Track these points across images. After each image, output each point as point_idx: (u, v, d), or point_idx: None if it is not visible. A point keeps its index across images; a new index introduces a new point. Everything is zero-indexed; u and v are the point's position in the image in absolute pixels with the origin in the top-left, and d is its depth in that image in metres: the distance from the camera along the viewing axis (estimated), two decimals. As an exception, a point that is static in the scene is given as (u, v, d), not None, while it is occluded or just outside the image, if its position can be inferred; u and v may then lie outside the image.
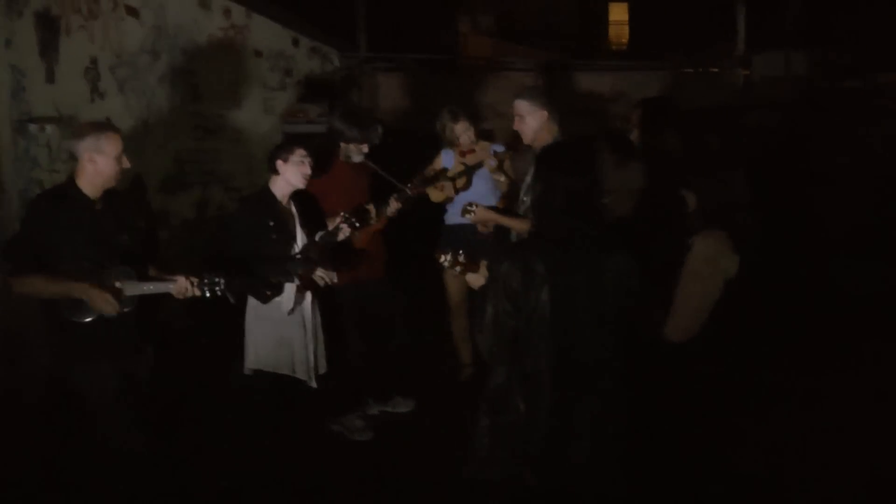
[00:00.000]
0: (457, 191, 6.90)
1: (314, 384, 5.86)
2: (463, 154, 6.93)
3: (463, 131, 6.87)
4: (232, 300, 5.13)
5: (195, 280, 4.87)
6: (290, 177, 5.76)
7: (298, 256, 5.72)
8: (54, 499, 5.28)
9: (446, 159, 7.03)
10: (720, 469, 5.52)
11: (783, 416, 6.29)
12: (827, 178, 10.16)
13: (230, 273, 5.15)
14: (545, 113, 5.74)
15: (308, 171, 5.79)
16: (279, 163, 5.75)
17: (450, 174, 6.93)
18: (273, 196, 5.78)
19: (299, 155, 5.76)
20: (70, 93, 6.72)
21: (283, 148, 5.84)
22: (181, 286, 4.85)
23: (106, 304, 4.60)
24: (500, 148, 6.72)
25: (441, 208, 7.12)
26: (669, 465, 5.20)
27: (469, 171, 6.83)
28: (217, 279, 4.90)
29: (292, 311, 5.70)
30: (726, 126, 10.47)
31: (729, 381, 6.13)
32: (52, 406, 5.79)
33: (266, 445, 5.78)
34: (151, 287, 4.84)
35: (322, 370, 5.97)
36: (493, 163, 6.47)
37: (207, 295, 4.90)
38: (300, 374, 5.81)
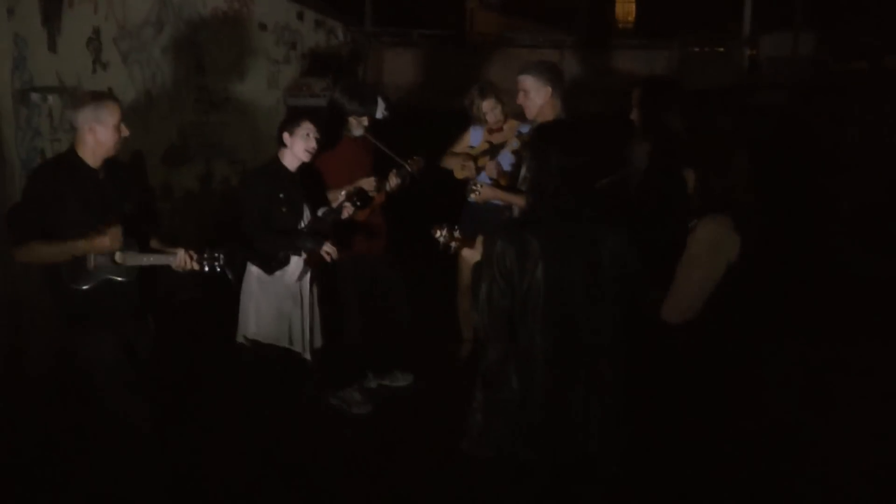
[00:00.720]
0: (479, 169, 6.87)
1: (308, 356, 5.88)
2: (490, 132, 6.91)
3: (490, 109, 6.84)
4: (230, 276, 5.13)
5: (194, 254, 4.88)
6: (295, 150, 5.76)
7: (306, 231, 5.73)
8: (58, 467, 5.32)
9: (474, 136, 7.01)
10: (716, 450, 5.53)
11: (781, 401, 6.29)
12: (833, 160, 10.13)
13: (237, 245, 5.17)
14: (549, 89, 5.70)
15: (313, 144, 5.78)
16: (285, 135, 5.76)
17: (474, 152, 6.91)
18: (283, 167, 5.80)
19: (305, 128, 5.75)
20: (72, 63, 6.70)
21: (290, 120, 5.84)
22: (181, 259, 4.86)
23: (110, 241, 4.61)
24: (526, 128, 6.66)
25: (459, 183, 7.10)
26: (665, 446, 5.21)
27: (493, 150, 6.79)
28: (217, 254, 4.91)
29: (284, 278, 5.72)
30: (732, 106, 10.44)
31: (727, 363, 6.13)
32: (59, 376, 5.82)
33: (265, 418, 5.81)
34: (152, 259, 4.86)
35: (317, 344, 5.98)
36: (515, 143, 6.42)
37: (206, 270, 4.91)
38: (297, 347, 5.83)
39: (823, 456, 5.62)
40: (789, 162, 9.71)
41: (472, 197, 5.96)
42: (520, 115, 6.07)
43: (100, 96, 4.87)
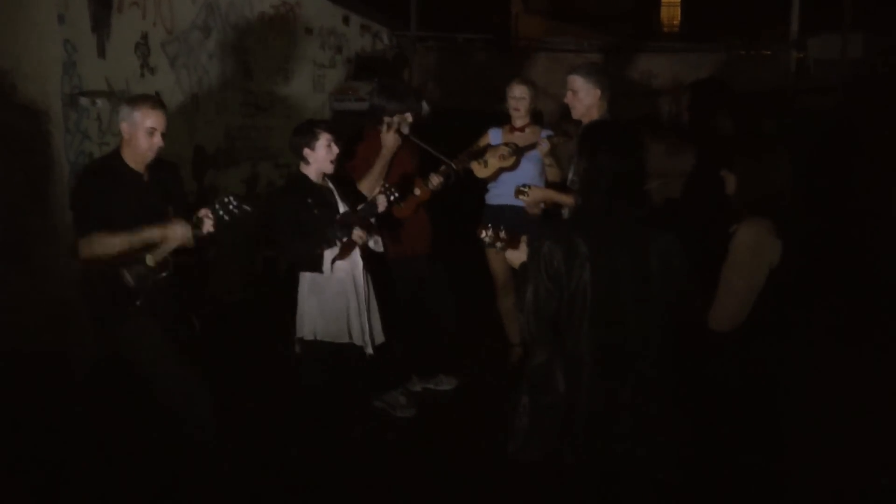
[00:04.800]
0: (502, 170, 6.84)
1: (371, 350, 5.80)
2: (511, 131, 6.88)
3: (519, 96, 6.78)
4: (248, 210, 5.04)
5: (208, 211, 4.87)
6: (320, 163, 5.69)
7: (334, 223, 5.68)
8: (100, 466, 5.37)
9: (494, 137, 6.99)
10: (761, 459, 5.46)
11: (828, 406, 6.20)
12: (882, 164, 9.99)
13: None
14: (598, 91, 5.75)
15: (336, 152, 5.73)
16: (306, 151, 5.67)
17: (498, 153, 6.87)
18: (306, 177, 5.73)
19: (325, 139, 5.66)
20: (121, 68, 6.77)
21: (306, 135, 5.71)
22: (203, 225, 4.86)
23: (182, 231, 4.70)
24: (548, 133, 6.64)
25: (485, 187, 7.08)
26: (712, 454, 5.15)
27: (519, 152, 6.76)
28: (226, 199, 4.90)
29: (333, 273, 5.64)
30: (778, 109, 10.34)
31: (772, 371, 6.06)
32: (105, 378, 5.87)
33: (309, 419, 5.81)
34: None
35: (379, 340, 5.92)
36: (545, 145, 6.39)
37: (227, 218, 4.89)
38: (357, 341, 5.76)
39: (868, 460, 5.56)
40: (838, 165, 9.60)
41: (521, 199, 5.95)
42: (566, 115, 6.06)
43: (138, 99, 4.87)
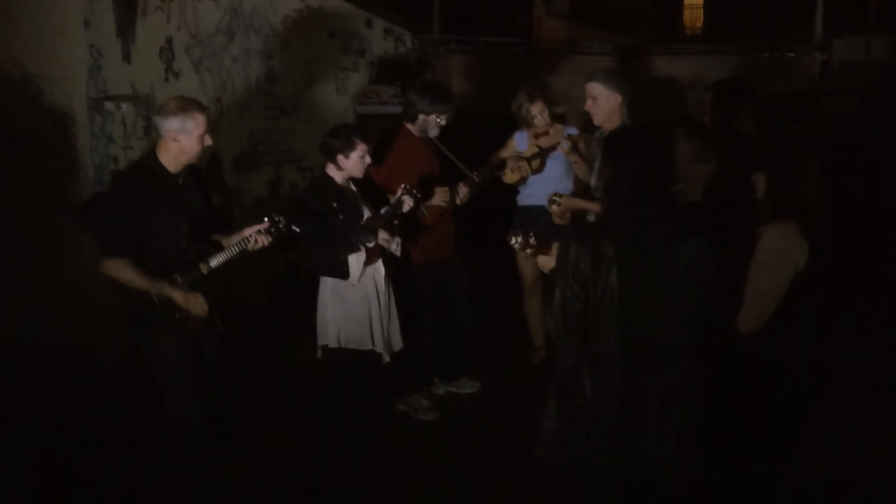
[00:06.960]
0: (530, 173, 6.86)
1: (388, 358, 5.82)
2: (537, 136, 6.89)
3: (538, 112, 6.82)
4: (298, 230, 5.21)
5: (262, 228, 4.99)
6: (351, 170, 5.71)
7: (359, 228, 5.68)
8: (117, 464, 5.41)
9: (520, 141, 7.00)
10: (788, 460, 5.43)
11: (854, 409, 6.17)
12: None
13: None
14: (619, 97, 5.75)
15: (368, 162, 5.75)
16: (340, 158, 5.67)
17: (523, 156, 6.89)
18: (332, 179, 5.75)
19: (361, 149, 5.66)
20: (145, 72, 6.82)
21: (343, 141, 5.69)
22: (254, 240, 4.97)
23: (198, 307, 4.80)
24: (573, 130, 6.69)
25: (514, 189, 7.08)
26: (738, 456, 5.13)
27: (543, 154, 6.78)
28: (277, 218, 5.03)
29: (360, 280, 5.66)
30: (803, 112, 10.29)
31: (798, 374, 6.02)
32: (128, 375, 5.90)
33: (333, 422, 5.82)
34: (230, 253, 4.94)
35: (397, 347, 5.93)
36: (565, 145, 6.41)
37: (276, 236, 5.03)
38: (378, 348, 5.78)
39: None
40: (862, 169, 9.54)
41: (553, 209, 5.95)
42: (589, 122, 6.07)
43: (188, 107, 4.82)
